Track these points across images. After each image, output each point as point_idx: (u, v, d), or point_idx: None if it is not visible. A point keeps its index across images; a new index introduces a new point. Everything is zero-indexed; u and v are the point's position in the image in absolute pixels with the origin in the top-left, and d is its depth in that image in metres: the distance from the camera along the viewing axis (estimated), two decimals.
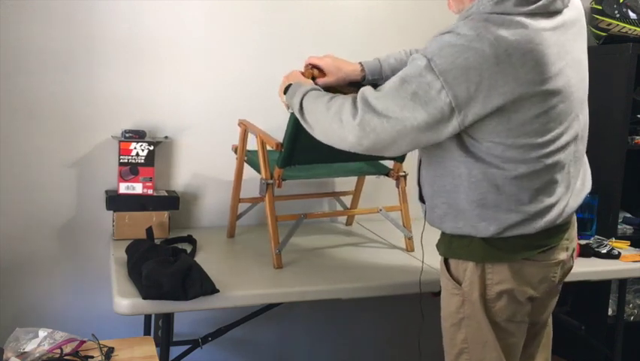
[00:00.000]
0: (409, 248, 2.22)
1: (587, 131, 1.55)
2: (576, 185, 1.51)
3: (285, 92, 1.65)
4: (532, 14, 1.35)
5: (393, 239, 2.34)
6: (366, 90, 1.44)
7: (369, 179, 2.43)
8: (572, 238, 1.56)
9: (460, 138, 1.40)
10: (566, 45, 1.41)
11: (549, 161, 1.40)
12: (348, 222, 2.59)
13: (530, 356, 1.62)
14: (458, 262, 1.50)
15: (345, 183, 2.56)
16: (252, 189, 2.27)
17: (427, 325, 1.81)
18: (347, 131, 1.43)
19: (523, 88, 1.32)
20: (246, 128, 2.17)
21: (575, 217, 1.58)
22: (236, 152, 2.25)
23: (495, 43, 1.29)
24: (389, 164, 2.21)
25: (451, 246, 1.51)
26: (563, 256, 1.51)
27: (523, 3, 1.34)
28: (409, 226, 2.22)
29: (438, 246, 1.57)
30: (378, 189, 2.47)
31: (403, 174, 2.18)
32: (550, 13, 1.38)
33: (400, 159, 2.10)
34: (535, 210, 1.41)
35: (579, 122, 1.47)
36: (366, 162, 2.24)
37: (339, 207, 2.55)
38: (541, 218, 1.42)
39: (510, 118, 1.34)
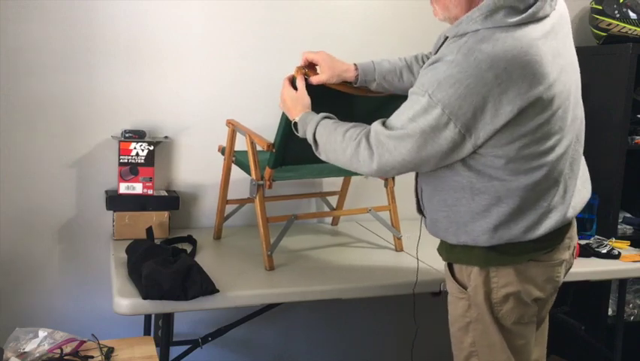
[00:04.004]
0: (399, 248, 2.23)
1: (584, 130, 1.53)
2: (576, 185, 1.50)
3: (294, 126, 1.64)
4: (522, 24, 1.33)
5: (383, 239, 2.34)
6: (379, 130, 1.42)
7: (356, 179, 2.44)
8: (573, 237, 1.56)
9: None
10: (559, 49, 1.40)
11: (549, 168, 1.39)
12: (334, 222, 2.59)
13: None
14: (462, 266, 1.50)
15: (331, 183, 2.56)
16: (240, 191, 2.27)
17: (423, 325, 1.81)
18: (366, 169, 1.46)
19: (525, 100, 1.31)
20: (234, 129, 2.14)
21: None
22: (223, 153, 2.24)
23: (493, 65, 1.28)
24: None
25: (453, 251, 1.51)
26: (565, 255, 1.51)
27: (512, 13, 1.32)
28: (397, 226, 2.22)
29: (439, 251, 1.57)
30: (366, 190, 2.48)
31: None
32: (539, 19, 1.36)
33: None
34: (536, 218, 1.41)
35: (575, 123, 1.46)
36: None
37: (325, 208, 2.54)
38: (542, 224, 1.42)
39: (513, 131, 1.33)
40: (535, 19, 1.35)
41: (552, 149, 1.39)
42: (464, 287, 1.49)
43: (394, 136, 1.39)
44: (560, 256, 1.49)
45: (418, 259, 1.76)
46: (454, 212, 1.45)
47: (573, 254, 1.59)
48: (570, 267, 1.60)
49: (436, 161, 1.38)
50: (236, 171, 2.20)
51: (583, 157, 1.56)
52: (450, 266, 1.54)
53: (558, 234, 1.47)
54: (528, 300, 1.46)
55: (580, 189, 1.52)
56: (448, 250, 1.53)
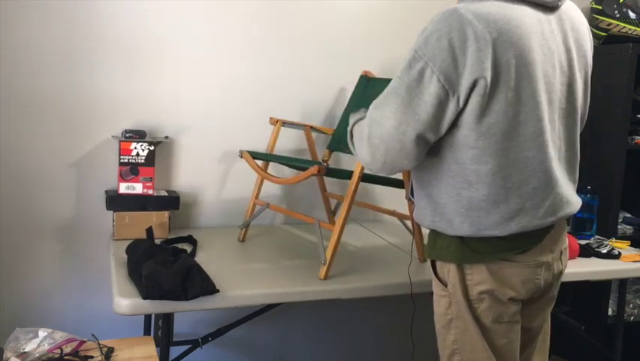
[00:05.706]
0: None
1: (575, 147, 1.52)
2: (563, 194, 1.47)
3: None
4: (519, 0, 1.38)
5: (383, 239, 2.34)
6: (372, 103, 1.45)
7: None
8: (558, 240, 1.53)
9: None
10: (551, 45, 1.41)
11: (518, 155, 1.38)
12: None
13: (525, 359, 1.60)
14: (443, 263, 1.51)
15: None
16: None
17: (424, 320, 1.81)
18: (363, 151, 1.46)
19: (501, 67, 1.33)
20: (280, 126, 2.15)
21: (564, 220, 1.55)
22: (242, 156, 2.17)
23: (475, 23, 1.32)
24: None
25: (435, 247, 1.52)
26: (546, 258, 1.49)
27: None
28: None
29: (425, 248, 1.59)
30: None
31: None
32: (537, 4, 1.40)
33: None
34: (508, 212, 1.40)
35: (554, 129, 1.44)
36: None
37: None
38: (514, 221, 1.41)
39: (486, 104, 1.34)
40: (534, 3, 1.40)
41: (519, 135, 1.38)
42: (445, 284, 1.50)
43: (379, 100, 1.41)
44: (538, 258, 1.47)
45: (411, 253, 1.75)
46: (435, 193, 1.47)
47: (561, 259, 1.55)
48: (560, 272, 1.56)
49: (423, 130, 1.36)
50: (237, 169, 2.18)
51: (575, 174, 1.55)
52: (433, 263, 1.55)
53: (533, 235, 1.45)
54: (504, 299, 1.45)
55: (569, 200, 1.49)
56: (431, 247, 1.54)
